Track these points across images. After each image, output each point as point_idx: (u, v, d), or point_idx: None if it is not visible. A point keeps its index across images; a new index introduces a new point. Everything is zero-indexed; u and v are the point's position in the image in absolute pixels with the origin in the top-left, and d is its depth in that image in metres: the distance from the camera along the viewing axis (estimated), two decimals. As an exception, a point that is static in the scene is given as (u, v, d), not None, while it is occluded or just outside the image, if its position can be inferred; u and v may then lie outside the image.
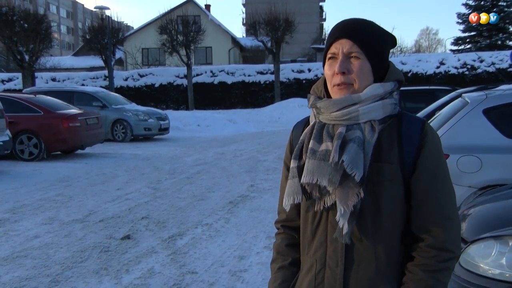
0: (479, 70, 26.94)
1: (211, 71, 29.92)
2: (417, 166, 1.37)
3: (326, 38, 1.45)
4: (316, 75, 28.44)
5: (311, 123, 1.48)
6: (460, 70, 27.24)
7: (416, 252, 1.37)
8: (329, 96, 1.45)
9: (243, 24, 51.82)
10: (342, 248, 1.39)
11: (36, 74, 25.31)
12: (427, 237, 1.36)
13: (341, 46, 1.39)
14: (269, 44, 28.03)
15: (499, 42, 36.52)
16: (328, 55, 1.43)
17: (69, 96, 14.69)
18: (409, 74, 26.59)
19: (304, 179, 1.38)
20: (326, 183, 1.35)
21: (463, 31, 38.89)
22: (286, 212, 1.56)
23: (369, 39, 1.39)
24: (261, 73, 29.60)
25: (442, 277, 1.35)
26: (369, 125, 1.37)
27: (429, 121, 5.23)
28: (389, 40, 1.46)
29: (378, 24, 1.47)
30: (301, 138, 1.47)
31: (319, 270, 1.44)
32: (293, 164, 1.45)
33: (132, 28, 50.90)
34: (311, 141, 1.41)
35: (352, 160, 1.31)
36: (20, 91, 19.48)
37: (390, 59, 1.49)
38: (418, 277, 1.34)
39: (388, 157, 1.37)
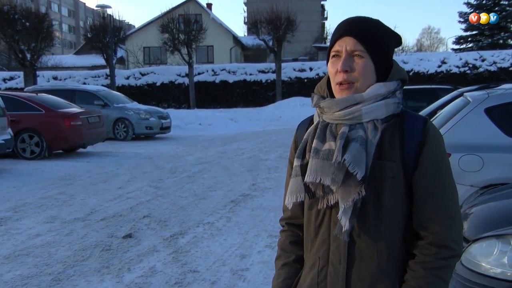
0: (481, 69, 26.91)
1: (213, 70, 29.92)
2: (418, 163, 1.38)
3: (331, 35, 1.45)
4: (318, 74, 28.43)
5: (315, 122, 1.49)
6: (462, 69, 27.22)
7: (417, 249, 1.38)
8: (332, 95, 1.45)
9: (245, 22, 51.74)
10: (345, 245, 1.40)
11: (37, 72, 25.35)
12: (428, 234, 1.37)
13: (345, 44, 1.39)
14: (270, 43, 28.02)
15: (501, 41, 36.46)
16: (332, 53, 1.42)
17: (70, 94, 14.69)
18: (410, 73, 26.58)
19: (307, 178, 1.39)
20: (329, 182, 1.35)
21: (465, 30, 38.83)
22: (290, 209, 1.57)
23: (373, 38, 1.39)
24: (263, 72, 29.60)
25: (442, 275, 1.35)
26: (371, 124, 1.38)
27: (431, 120, 5.23)
28: (394, 39, 1.46)
29: (383, 23, 1.46)
30: (304, 137, 1.48)
31: (322, 267, 1.45)
32: (296, 162, 1.46)
33: (134, 26, 50.95)
34: (315, 141, 1.42)
35: (354, 159, 1.32)
36: (21, 89, 19.47)
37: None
38: (419, 274, 1.35)
39: (390, 155, 1.37)
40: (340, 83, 1.40)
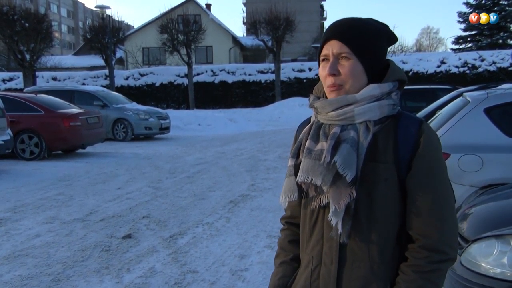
0: (480, 69, 26.91)
1: (212, 70, 29.93)
2: (412, 165, 1.36)
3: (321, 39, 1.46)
4: (317, 74, 28.15)
5: (311, 123, 1.50)
6: (461, 69, 27.22)
7: (409, 252, 1.37)
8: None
9: (244, 23, 51.75)
10: (336, 246, 1.40)
11: (37, 73, 25.33)
12: (419, 237, 1.36)
13: (331, 48, 1.39)
14: (269, 43, 28.02)
15: (500, 41, 36.47)
16: (321, 57, 1.43)
17: (69, 95, 14.70)
18: (410, 73, 26.58)
19: (299, 178, 1.40)
20: (319, 182, 1.36)
21: (464, 30, 38.85)
22: (290, 209, 1.59)
23: (359, 38, 1.38)
24: (262, 72, 29.60)
25: (434, 278, 1.34)
26: (364, 125, 1.37)
27: (430, 120, 5.24)
28: (385, 37, 1.44)
29: (375, 21, 1.45)
30: (300, 137, 1.49)
31: (315, 267, 1.45)
32: (290, 162, 1.47)
33: (133, 27, 50.91)
34: (308, 141, 1.42)
35: (345, 161, 1.32)
36: (21, 90, 19.48)
37: (390, 58, 1.48)
38: (410, 277, 1.34)
39: (383, 157, 1.37)
40: (330, 86, 1.40)
